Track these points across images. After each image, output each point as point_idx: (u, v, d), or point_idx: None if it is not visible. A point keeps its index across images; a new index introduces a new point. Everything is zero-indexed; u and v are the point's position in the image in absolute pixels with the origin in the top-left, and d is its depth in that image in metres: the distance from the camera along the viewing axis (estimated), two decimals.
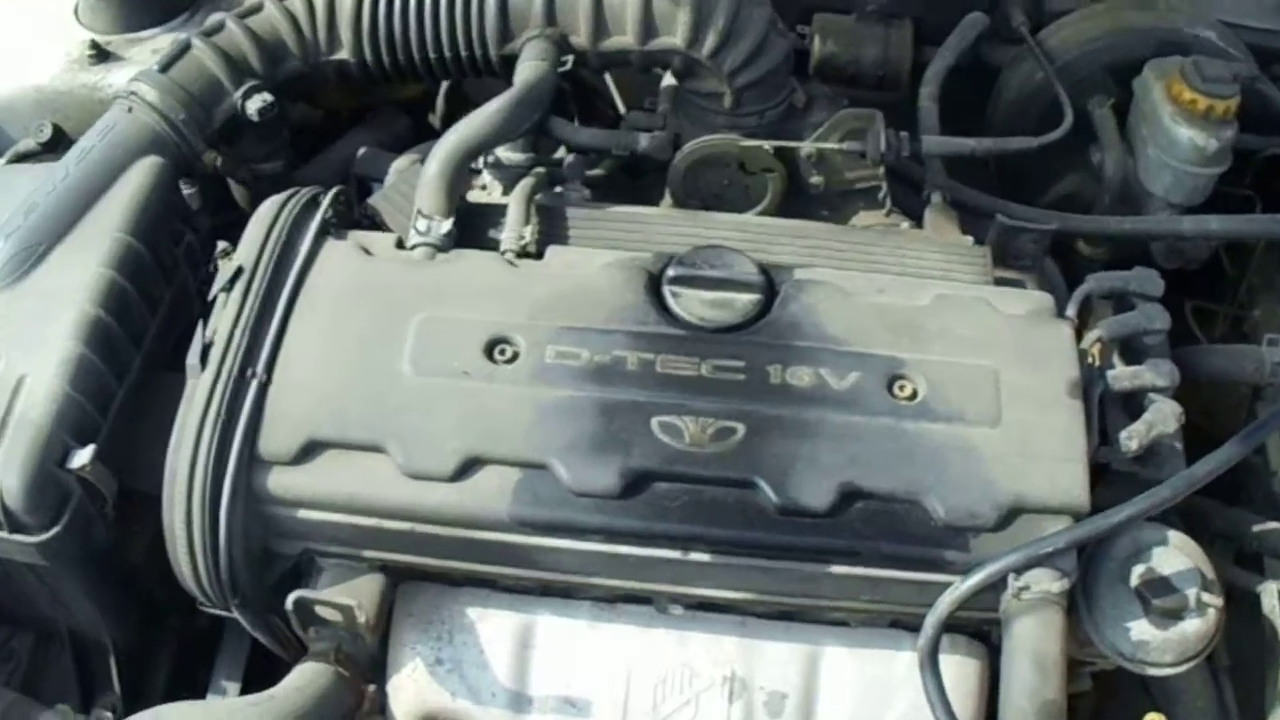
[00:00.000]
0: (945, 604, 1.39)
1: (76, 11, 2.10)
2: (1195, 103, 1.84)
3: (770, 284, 1.56)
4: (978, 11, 2.12)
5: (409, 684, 1.54)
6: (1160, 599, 1.43)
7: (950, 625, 1.45)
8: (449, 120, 1.84)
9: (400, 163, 1.93)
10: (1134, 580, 1.44)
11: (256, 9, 1.86)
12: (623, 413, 1.45)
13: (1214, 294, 2.12)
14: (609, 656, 1.52)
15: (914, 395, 1.47)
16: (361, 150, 2.04)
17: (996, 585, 1.39)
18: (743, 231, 1.68)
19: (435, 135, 1.76)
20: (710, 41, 1.79)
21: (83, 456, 1.47)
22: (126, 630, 1.69)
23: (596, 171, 1.87)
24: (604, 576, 1.47)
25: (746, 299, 1.55)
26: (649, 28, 1.80)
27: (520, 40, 1.82)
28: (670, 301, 1.55)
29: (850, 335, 1.52)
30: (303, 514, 1.46)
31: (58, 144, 1.95)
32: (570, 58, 1.80)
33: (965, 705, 1.48)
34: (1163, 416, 1.53)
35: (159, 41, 2.04)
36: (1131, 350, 1.62)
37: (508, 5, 1.81)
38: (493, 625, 1.53)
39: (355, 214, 1.72)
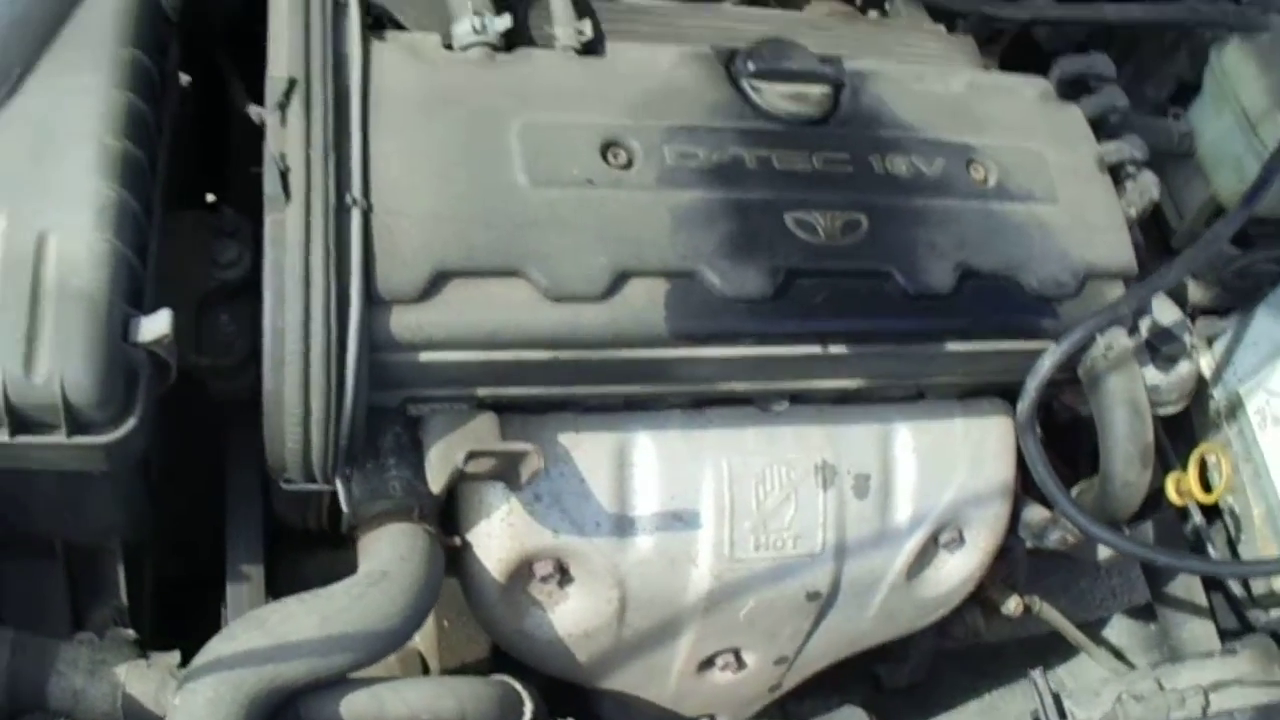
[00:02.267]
0: (1047, 366, 1.50)
1: None
2: None
3: (838, 74, 1.55)
4: None
5: (502, 528, 1.42)
6: (1167, 346, 1.63)
7: (980, 389, 1.60)
8: None
9: None
10: (1144, 334, 1.62)
11: None
12: (757, 212, 1.41)
13: None
14: (708, 463, 1.48)
15: (986, 179, 1.54)
16: None
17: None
18: (766, 24, 1.64)
19: None
20: None
21: (158, 324, 1.20)
22: (144, 530, 1.44)
23: None
24: (740, 380, 1.44)
25: (819, 91, 1.52)
26: None
27: None
28: (753, 96, 1.50)
29: (920, 123, 1.55)
30: (426, 357, 1.31)
31: None
32: None
33: (1010, 455, 1.61)
34: (1147, 184, 1.69)
35: None
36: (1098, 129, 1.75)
37: None
38: (588, 449, 1.45)
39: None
